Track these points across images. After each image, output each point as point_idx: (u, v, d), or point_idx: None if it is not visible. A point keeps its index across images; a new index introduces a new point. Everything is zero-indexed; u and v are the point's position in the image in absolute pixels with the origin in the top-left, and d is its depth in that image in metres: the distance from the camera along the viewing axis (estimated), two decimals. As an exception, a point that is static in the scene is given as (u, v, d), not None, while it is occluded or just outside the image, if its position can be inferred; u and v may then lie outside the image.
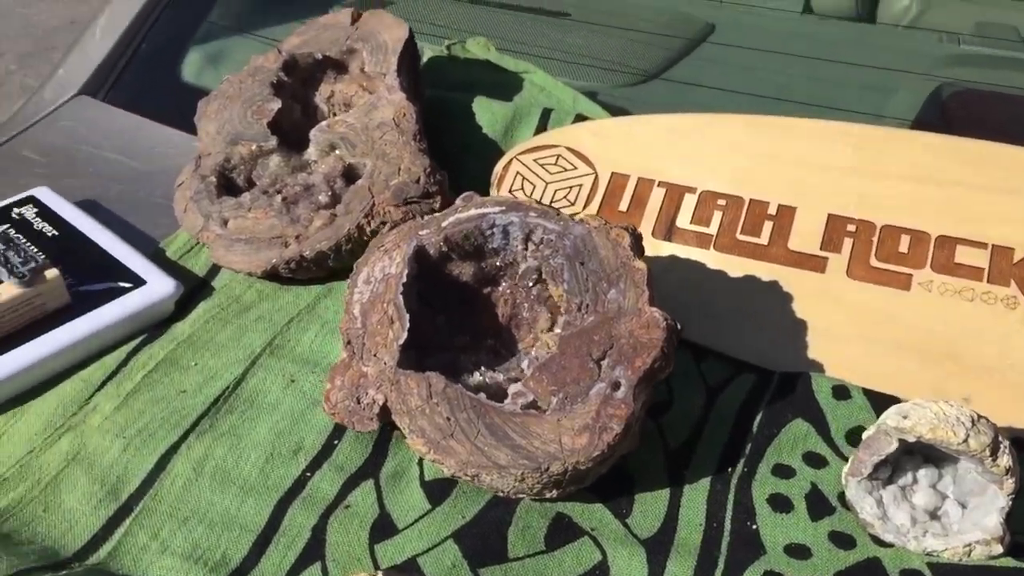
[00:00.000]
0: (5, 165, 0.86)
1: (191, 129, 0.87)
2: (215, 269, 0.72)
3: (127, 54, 0.95)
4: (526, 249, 0.60)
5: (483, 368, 0.60)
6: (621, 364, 0.54)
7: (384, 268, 0.59)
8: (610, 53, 0.95)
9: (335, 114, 0.78)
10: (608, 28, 0.99)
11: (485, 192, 0.74)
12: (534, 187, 0.72)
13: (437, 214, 0.61)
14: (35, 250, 0.67)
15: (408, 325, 0.56)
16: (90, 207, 0.79)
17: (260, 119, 0.74)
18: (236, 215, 0.70)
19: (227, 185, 0.73)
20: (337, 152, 0.73)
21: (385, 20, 0.77)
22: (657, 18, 1.02)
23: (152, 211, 0.78)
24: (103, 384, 0.63)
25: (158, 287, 0.67)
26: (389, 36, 0.76)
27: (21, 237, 0.70)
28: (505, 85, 0.82)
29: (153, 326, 0.67)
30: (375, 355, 0.57)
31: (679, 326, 0.55)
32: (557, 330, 0.61)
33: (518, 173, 0.73)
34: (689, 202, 0.70)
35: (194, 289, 0.70)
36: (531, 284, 0.60)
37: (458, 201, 0.61)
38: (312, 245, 0.68)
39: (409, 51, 0.76)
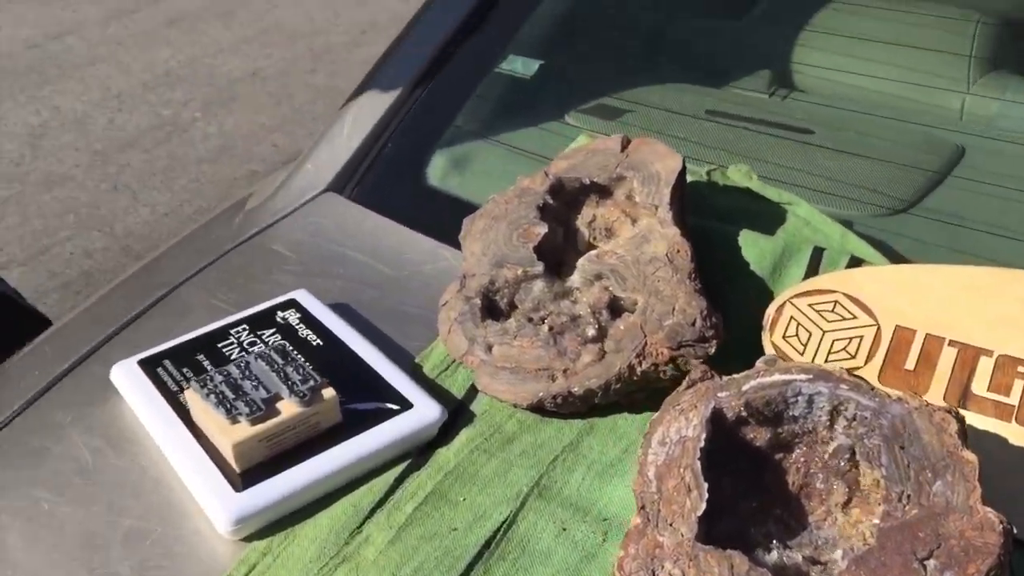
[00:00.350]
0: (256, 257, 0.89)
1: (437, 234, 0.88)
2: (473, 390, 0.71)
3: (372, 153, 0.97)
4: (831, 421, 0.57)
5: (774, 542, 0.56)
6: (951, 568, 0.49)
7: (680, 430, 0.57)
8: (858, 177, 0.92)
9: (595, 238, 0.76)
10: (854, 151, 0.95)
11: (751, 331, 0.71)
12: (810, 335, 0.69)
13: (737, 376, 0.58)
14: (311, 367, 0.67)
15: (707, 495, 0.54)
16: (345, 312, 0.80)
17: (527, 243, 0.73)
18: (501, 341, 0.70)
19: (489, 307, 0.73)
20: (603, 282, 0.72)
21: (657, 149, 0.75)
22: (903, 139, 0.98)
23: (404, 321, 0.79)
24: (373, 512, 0.63)
25: (425, 412, 0.67)
26: (662, 166, 0.74)
27: (291, 347, 0.71)
28: (768, 217, 0.79)
29: (417, 450, 0.67)
30: (671, 524, 0.55)
31: (1015, 529, 0.51)
32: (854, 508, 0.57)
33: (792, 318, 0.70)
34: (985, 366, 0.65)
35: (454, 412, 0.70)
36: (843, 464, 0.56)
37: (759, 363, 0.58)
38: (581, 382, 0.66)
39: (681, 182, 0.74)
